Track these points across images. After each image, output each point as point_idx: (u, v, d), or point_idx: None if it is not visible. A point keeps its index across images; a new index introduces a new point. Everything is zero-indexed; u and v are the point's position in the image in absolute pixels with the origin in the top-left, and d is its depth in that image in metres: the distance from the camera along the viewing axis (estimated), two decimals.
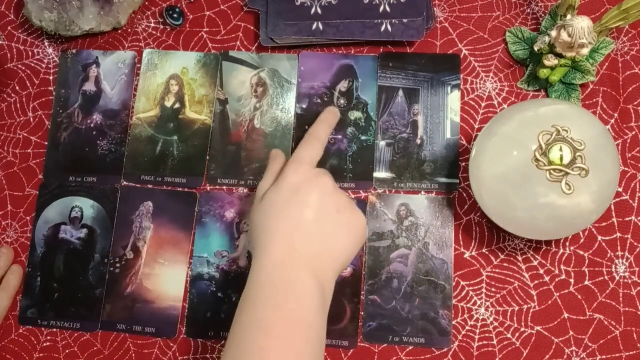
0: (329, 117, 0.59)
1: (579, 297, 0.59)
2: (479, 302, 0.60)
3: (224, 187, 0.63)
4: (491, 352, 0.59)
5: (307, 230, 0.50)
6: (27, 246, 0.64)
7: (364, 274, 0.61)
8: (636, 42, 0.63)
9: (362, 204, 0.62)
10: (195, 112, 0.65)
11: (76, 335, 0.62)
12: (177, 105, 0.65)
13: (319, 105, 0.64)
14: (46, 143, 0.66)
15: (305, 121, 0.64)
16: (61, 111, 0.66)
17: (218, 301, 0.61)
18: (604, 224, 0.60)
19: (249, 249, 0.62)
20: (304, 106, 0.64)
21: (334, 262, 0.51)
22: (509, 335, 0.59)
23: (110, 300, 0.62)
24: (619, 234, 0.60)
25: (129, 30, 0.68)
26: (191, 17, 0.67)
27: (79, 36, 0.66)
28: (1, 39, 0.69)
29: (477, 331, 0.59)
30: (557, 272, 0.60)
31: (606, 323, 0.59)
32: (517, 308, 0.59)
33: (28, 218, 0.65)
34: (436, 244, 0.61)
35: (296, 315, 0.47)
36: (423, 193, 0.62)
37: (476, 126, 0.63)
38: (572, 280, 0.59)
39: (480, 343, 0.59)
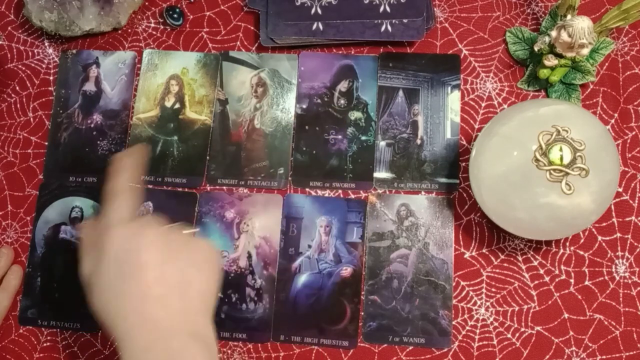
0: (121, 164, 0.51)
1: (579, 297, 0.59)
2: (479, 302, 0.60)
3: (224, 187, 0.63)
4: (491, 352, 0.59)
5: (155, 296, 0.45)
6: (27, 246, 0.64)
7: (364, 274, 0.61)
8: (636, 42, 0.63)
9: (362, 204, 0.62)
10: (195, 112, 0.65)
11: (76, 335, 0.62)
12: (177, 105, 0.65)
13: (319, 105, 0.64)
14: (46, 143, 0.66)
15: (305, 121, 0.64)
16: (61, 111, 0.66)
17: (218, 301, 0.61)
18: (604, 224, 0.60)
19: (248, 249, 0.62)
20: (304, 106, 0.64)
21: (200, 307, 0.46)
22: (509, 335, 0.59)
23: None
24: (619, 234, 0.60)
25: (129, 30, 0.68)
26: (191, 17, 0.67)
27: (79, 36, 0.66)
28: (1, 39, 0.69)
29: (477, 331, 0.59)
30: (557, 272, 0.60)
31: (606, 323, 0.59)
32: (517, 308, 0.59)
33: (28, 218, 0.64)
34: (436, 244, 0.61)
35: None
36: (423, 193, 0.62)
37: (476, 126, 0.63)
38: (572, 280, 0.59)
39: (480, 343, 0.59)
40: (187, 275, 0.46)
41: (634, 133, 0.62)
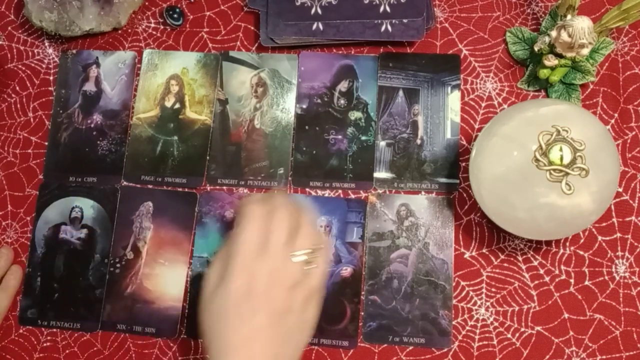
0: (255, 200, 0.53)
1: (579, 297, 0.59)
2: (479, 302, 0.60)
3: (224, 187, 0.63)
4: (491, 352, 0.59)
5: (260, 335, 0.48)
6: (27, 246, 0.64)
7: (364, 274, 0.61)
8: (636, 42, 0.63)
9: (362, 204, 0.62)
10: (195, 112, 0.65)
11: (76, 335, 0.62)
12: (177, 105, 0.65)
13: (319, 105, 0.64)
14: (46, 143, 0.66)
15: (305, 121, 0.64)
16: (61, 111, 0.66)
17: None
18: (604, 224, 0.60)
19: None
20: (304, 106, 0.64)
21: (292, 356, 0.50)
22: (509, 335, 0.59)
23: (110, 300, 0.62)
24: (619, 234, 0.60)
25: (129, 30, 0.68)
26: (191, 17, 0.67)
27: (79, 36, 0.66)
28: (1, 39, 0.69)
29: (477, 331, 0.59)
30: (557, 272, 0.60)
31: (606, 323, 0.59)
32: (517, 308, 0.59)
33: (28, 218, 0.64)
34: (436, 244, 0.61)
35: None
36: (423, 193, 0.62)
37: (476, 126, 0.63)
38: (572, 280, 0.59)
39: (480, 343, 0.59)
40: (293, 333, 0.49)
41: (634, 133, 0.62)
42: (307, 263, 0.51)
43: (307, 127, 0.64)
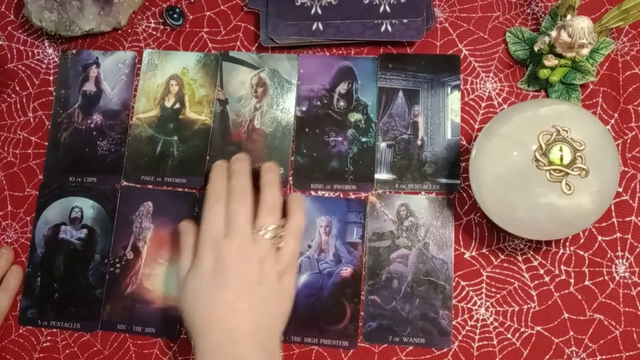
0: (217, 169, 0.57)
1: (579, 297, 0.59)
2: (479, 302, 0.60)
3: None
4: (491, 352, 0.59)
5: (235, 308, 0.50)
6: (27, 246, 0.64)
7: (364, 274, 0.61)
8: (636, 42, 0.63)
9: (362, 204, 0.62)
10: (195, 112, 0.65)
11: (76, 335, 0.62)
12: (177, 106, 0.65)
13: (318, 107, 0.64)
14: (46, 143, 0.66)
15: (305, 124, 0.64)
16: (61, 111, 0.66)
17: None
18: (604, 224, 0.60)
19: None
20: (304, 109, 0.64)
21: (272, 325, 0.52)
22: (509, 335, 0.59)
23: (110, 300, 0.62)
24: (619, 234, 0.60)
25: (129, 30, 0.68)
26: (191, 17, 0.67)
27: (79, 36, 0.66)
28: (1, 39, 0.69)
29: (477, 331, 0.59)
30: (557, 272, 0.60)
31: (606, 323, 0.59)
32: (517, 308, 0.59)
33: (28, 218, 0.64)
34: (436, 244, 0.61)
35: None
36: (423, 193, 0.62)
37: (476, 126, 0.63)
38: (572, 280, 0.60)
39: (480, 343, 0.59)
40: (265, 302, 0.52)
41: (634, 133, 0.62)
42: (277, 238, 0.53)
43: (307, 130, 0.64)
